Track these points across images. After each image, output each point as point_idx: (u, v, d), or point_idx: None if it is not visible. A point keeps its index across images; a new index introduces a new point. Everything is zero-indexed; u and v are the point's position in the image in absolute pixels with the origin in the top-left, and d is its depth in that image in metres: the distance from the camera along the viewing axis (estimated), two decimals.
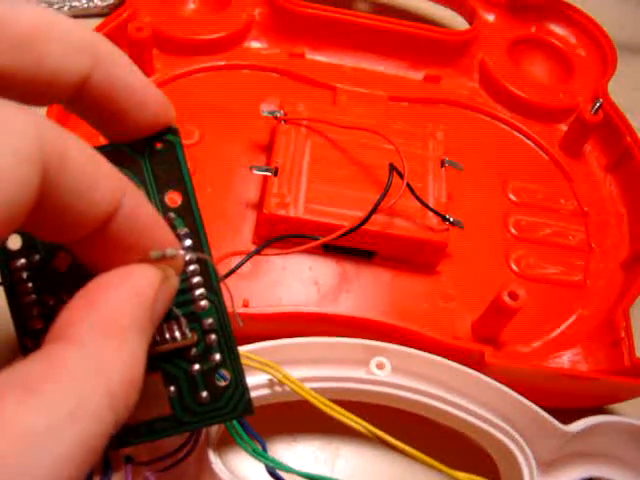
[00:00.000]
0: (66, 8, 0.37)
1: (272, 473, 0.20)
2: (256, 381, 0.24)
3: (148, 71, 0.33)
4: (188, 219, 0.17)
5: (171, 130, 0.17)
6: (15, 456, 0.11)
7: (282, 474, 0.20)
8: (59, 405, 0.12)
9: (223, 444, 0.24)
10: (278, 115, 0.31)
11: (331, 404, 0.21)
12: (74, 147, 0.13)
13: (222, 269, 0.26)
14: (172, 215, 0.17)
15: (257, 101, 0.33)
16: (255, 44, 0.36)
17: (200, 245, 0.17)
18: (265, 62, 0.35)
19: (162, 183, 0.17)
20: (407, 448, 0.20)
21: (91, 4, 0.37)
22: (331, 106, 0.34)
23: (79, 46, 0.14)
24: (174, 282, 0.16)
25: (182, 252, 0.16)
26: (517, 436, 0.24)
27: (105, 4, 0.37)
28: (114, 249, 0.15)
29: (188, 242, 0.17)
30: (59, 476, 0.12)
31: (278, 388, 0.24)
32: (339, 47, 0.36)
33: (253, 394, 0.24)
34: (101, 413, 0.13)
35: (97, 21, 0.34)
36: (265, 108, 0.31)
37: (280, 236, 0.27)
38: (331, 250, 0.29)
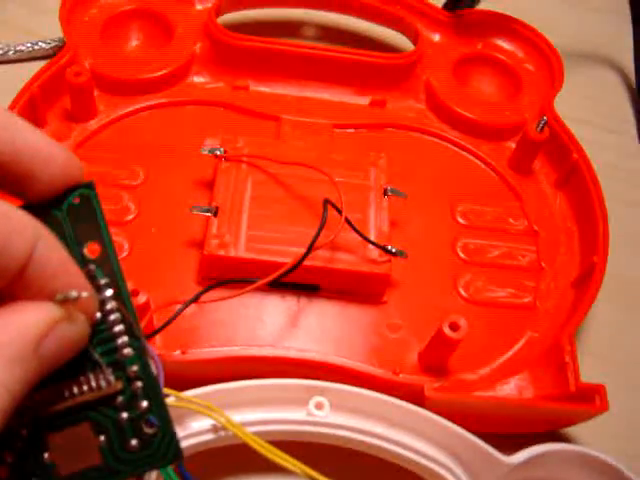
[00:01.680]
0: (11, 52, 0.37)
1: None
2: (200, 426, 0.24)
3: (91, 113, 0.33)
4: (107, 269, 0.17)
5: (87, 184, 0.18)
6: None
7: None
8: None
9: None
10: (218, 153, 0.31)
11: (271, 448, 0.21)
12: None
13: (165, 315, 0.26)
14: (92, 267, 0.17)
15: (202, 137, 0.32)
16: (198, 79, 0.36)
17: (120, 294, 0.17)
18: (209, 96, 0.35)
19: (81, 236, 0.18)
20: None
21: (36, 47, 0.37)
22: (272, 140, 0.34)
23: None
24: (80, 326, 0.16)
25: (85, 294, 0.16)
26: (458, 470, 0.24)
27: (50, 46, 0.37)
28: (24, 293, 0.15)
29: (109, 292, 0.17)
30: None
31: (222, 432, 0.24)
32: (283, 77, 0.36)
33: (197, 439, 0.24)
34: None
35: (43, 63, 0.34)
36: (207, 145, 0.31)
37: (218, 282, 0.26)
38: (276, 286, 0.29)
